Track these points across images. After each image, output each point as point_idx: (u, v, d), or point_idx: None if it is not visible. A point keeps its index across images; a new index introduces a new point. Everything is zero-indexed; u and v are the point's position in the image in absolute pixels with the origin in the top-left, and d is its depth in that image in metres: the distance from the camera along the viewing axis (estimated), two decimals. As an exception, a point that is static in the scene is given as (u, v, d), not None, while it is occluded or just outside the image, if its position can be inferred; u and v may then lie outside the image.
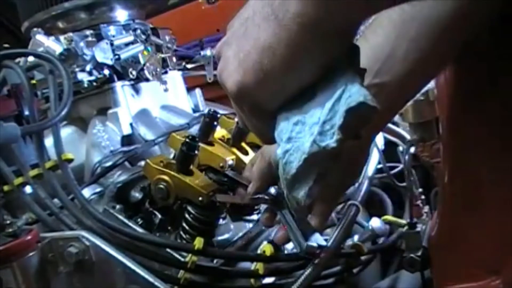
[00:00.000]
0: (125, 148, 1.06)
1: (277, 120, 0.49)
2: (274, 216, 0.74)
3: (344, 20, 0.43)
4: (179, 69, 1.33)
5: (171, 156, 0.92)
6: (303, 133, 0.47)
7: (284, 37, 0.43)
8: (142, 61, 1.16)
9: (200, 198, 0.79)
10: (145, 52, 1.17)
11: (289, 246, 0.94)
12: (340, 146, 0.45)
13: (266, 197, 0.73)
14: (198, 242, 0.75)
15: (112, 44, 1.11)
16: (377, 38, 0.61)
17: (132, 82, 1.16)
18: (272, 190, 0.74)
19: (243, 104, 0.48)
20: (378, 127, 0.64)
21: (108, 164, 1.01)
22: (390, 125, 1.17)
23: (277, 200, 0.72)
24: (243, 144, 0.94)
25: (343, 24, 0.43)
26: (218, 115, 0.90)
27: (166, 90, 1.24)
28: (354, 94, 0.44)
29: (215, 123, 0.89)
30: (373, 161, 1.02)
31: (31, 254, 0.75)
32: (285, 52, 0.43)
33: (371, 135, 0.67)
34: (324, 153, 0.46)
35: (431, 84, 0.91)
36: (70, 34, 1.07)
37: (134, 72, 1.15)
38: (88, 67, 1.09)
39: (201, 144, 0.84)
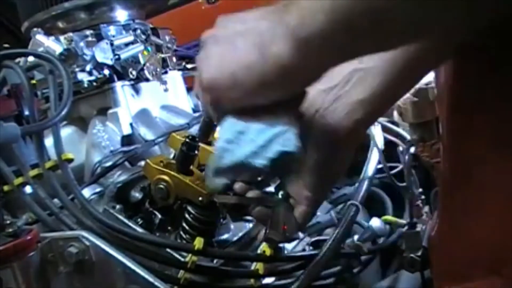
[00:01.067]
0: (125, 148, 1.06)
1: (226, 117, 0.58)
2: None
3: (316, 67, 0.51)
4: (179, 69, 1.33)
5: (171, 156, 0.92)
6: (242, 142, 0.57)
7: (259, 68, 0.50)
8: (142, 61, 1.16)
9: (200, 198, 0.79)
10: (145, 52, 1.17)
11: (289, 246, 0.94)
12: (265, 169, 0.56)
13: (264, 195, 0.73)
14: (198, 242, 0.75)
15: (112, 44, 1.11)
16: None
17: (132, 82, 1.16)
18: (271, 189, 0.74)
19: (207, 94, 0.57)
20: (370, 119, 0.63)
21: (108, 164, 1.01)
22: (390, 125, 1.17)
23: (274, 200, 0.72)
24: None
25: (313, 72, 0.51)
26: (218, 115, 0.90)
27: (166, 90, 1.24)
28: (290, 140, 0.56)
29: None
30: (373, 161, 1.02)
31: (31, 254, 0.75)
32: (256, 79, 0.51)
33: (359, 133, 0.65)
34: (250, 168, 0.56)
35: (431, 84, 0.91)
36: (70, 34, 1.07)
37: (134, 72, 1.15)
38: (88, 67, 1.09)
39: (201, 144, 0.84)
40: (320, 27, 0.46)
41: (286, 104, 0.55)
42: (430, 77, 0.83)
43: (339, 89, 0.60)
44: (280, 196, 0.71)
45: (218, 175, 0.58)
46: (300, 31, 0.47)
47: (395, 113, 1.11)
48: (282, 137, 0.56)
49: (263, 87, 0.52)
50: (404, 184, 0.96)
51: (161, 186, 0.82)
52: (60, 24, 1.18)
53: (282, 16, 0.49)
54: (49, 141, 0.90)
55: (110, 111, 1.12)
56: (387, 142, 1.12)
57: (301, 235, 0.98)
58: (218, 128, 0.89)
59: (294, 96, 0.55)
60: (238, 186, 0.74)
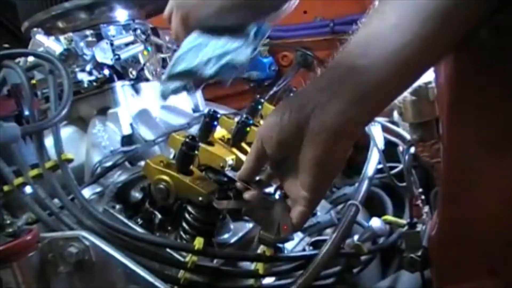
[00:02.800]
0: (125, 148, 1.06)
1: (193, 31, 0.69)
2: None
3: None
4: (179, 69, 1.33)
5: (171, 156, 0.92)
6: (197, 53, 0.66)
7: None
8: (142, 61, 1.16)
9: (200, 198, 0.79)
10: (145, 52, 1.17)
11: (289, 246, 0.94)
12: (211, 78, 0.66)
13: (261, 196, 0.73)
14: (198, 242, 0.75)
15: (112, 44, 1.11)
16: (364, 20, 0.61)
17: (132, 82, 1.16)
18: (271, 189, 0.74)
19: (178, 12, 0.70)
20: (367, 117, 0.63)
21: (108, 164, 1.01)
22: (390, 125, 1.17)
23: (270, 200, 0.72)
24: (243, 144, 0.94)
25: None
26: (218, 115, 0.90)
27: (166, 90, 1.24)
28: (241, 53, 0.65)
29: (215, 123, 0.89)
30: (373, 161, 1.02)
31: (31, 254, 0.75)
32: None
33: (357, 130, 0.64)
34: (197, 76, 0.65)
35: (432, 83, 0.91)
36: (70, 34, 1.07)
37: (134, 72, 1.15)
38: (88, 67, 1.09)
39: (201, 144, 0.84)
40: None
41: (246, 28, 0.65)
42: (429, 76, 0.83)
43: (335, 86, 0.60)
44: (277, 196, 0.71)
45: (169, 80, 0.67)
46: None
47: (395, 113, 1.11)
48: (235, 52, 0.65)
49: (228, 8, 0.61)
50: (404, 184, 0.96)
51: (161, 186, 0.82)
52: (60, 24, 1.18)
53: None
54: (49, 141, 0.90)
55: (110, 111, 1.11)
56: (387, 142, 1.12)
57: (301, 235, 0.98)
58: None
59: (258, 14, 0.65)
60: (238, 184, 0.74)
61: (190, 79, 0.67)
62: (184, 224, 0.83)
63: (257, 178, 0.74)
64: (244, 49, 0.65)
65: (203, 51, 0.66)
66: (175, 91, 0.71)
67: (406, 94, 0.91)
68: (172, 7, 0.70)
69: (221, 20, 0.66)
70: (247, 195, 0.73)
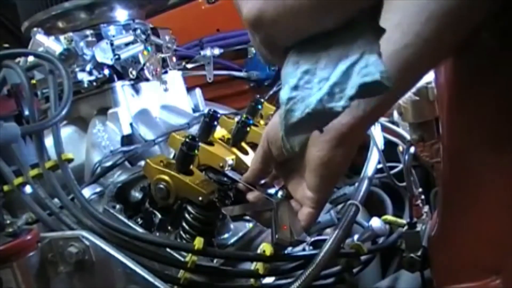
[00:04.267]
0: (125, 148, 1.06)
1: (287, 59, 0.47)
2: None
3: None
4: (179, 69, 1.34)
5: (171, 156, 0.92)
6: (311, 84, 0.45)
7: None
8: (142, 61, 1.16)
9: (200, 198, 0.79)
10: (145, 52, 1.17)
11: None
12: (344, 110, 0.45)
13: (265, 198, 0.73)
14: (198, 242, 0.75)
15: (112, 44, 1.11)
16: None
17: (132, 82, 1.16)
18: (273, 190, 0.74)
19: (256, 34, 0.46)
20: (371, 117, 0.63)
21: (108, 164, 1.01)
22: (390, 125, 1.17)
23: (275, 201, 0.72)
24: (243, 144, 0.94)
25: None
26: (218, 115, 0.90)
27: (166, 90, 1.24)
28: (371, 66, 0.43)
29: (215, 123, 0.89)
30: (373, 161, 1.02)
31: (31, 254, 0.75)
32: None
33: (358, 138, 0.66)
34: (328, 113, 0.45)
35: (432, 83, 0.91)
36: (70, 34, 1.07)
37: (134, 72, 1.15)
38: (88, 67, 1.09)
39: (201, 144, 0.84)
40: None
41: (357, 20, 0.44)
42: (430, 76, 0.83)
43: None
44: (280, 196, 0.71)
45: (292, 133, 0.48)
46: None
47: (395, 113, 1.11)
48: (359, 65, 0.44)
49: (323, 2, 0.41)
50: (404, 184, 0.96)
51: (161, 186, 0.82)
52: (60, 24, 1.18)
53: None
54: (49, 141, 0.90)
55: (110, 111, 1.12)
56: (387, 142, 1.12)
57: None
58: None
59: (365, 3, 0.44)
60: (240, 185, 0.74)
61: (319, 121, 0.48)
62: (184, 224, 0.83)
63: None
64: (367, 59, 0.44)
65: (317, 76, 0.45)
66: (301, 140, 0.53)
67: (408, 93, 0.91)
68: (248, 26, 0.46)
69: (317, 26, 0.43)
70: (250, 196, 0.73)
